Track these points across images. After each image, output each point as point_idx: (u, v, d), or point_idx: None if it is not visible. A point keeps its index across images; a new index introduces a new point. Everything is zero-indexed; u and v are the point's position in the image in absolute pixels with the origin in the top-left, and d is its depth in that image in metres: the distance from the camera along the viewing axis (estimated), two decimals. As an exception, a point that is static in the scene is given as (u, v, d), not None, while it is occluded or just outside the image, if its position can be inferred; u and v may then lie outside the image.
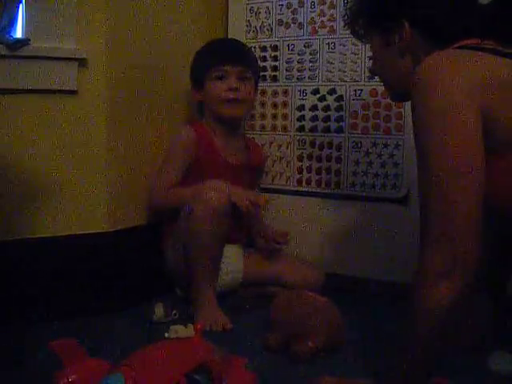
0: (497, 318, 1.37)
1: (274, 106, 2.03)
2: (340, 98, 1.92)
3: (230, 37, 2.08)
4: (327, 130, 1.94)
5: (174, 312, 1.62)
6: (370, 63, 1.41)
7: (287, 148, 2.01)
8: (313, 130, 1.97)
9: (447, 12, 1.15)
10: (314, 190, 1.97)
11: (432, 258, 1.00)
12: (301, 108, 1.98)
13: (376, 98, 1.86)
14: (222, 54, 1.85)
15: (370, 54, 1.77)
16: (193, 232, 1.61)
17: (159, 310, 1.61)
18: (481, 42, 1.10)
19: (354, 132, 1.90)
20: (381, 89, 1.83)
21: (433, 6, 1.15)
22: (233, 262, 1.82)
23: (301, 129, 1.99)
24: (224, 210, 1.61)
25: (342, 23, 1.48)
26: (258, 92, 2.00)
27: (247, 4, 2.05)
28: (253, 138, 2.04)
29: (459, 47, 1.10)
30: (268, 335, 1.44)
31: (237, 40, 1.99)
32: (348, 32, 1.37)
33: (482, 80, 1.01)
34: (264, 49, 2.03)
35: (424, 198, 1.04)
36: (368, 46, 1.37)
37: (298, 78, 1.98)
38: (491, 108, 1.01)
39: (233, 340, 1.48)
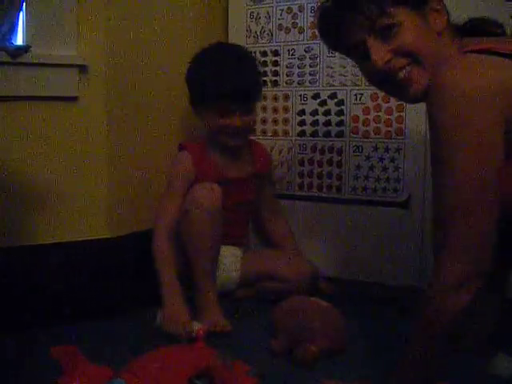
0: (498, 321, 1.37)
1: (275, 110, 2.03)
2: (341, 103, 1.92)
3: (230, 41, 2.07)
4: (328, 134, 1.94)
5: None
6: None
7: (288, 153, 2.01)
8: (314, 134, 1.96)
9: None
10: (315, 194, 1.97)
11: (449, 268, 1.00)
12: (301, 113, 1.98)
13: (377, 102, 1.86)
14: (227, 90, 1.69)
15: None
16: (189, 234, 1.63)
17: (160, 316, 1.60)
18: (498, 47, 1.06)
19: (355, 136, 1.90)
20: (382, 93, 1.82)
21: None
22: (230, 262, 1.82)
23: (302, 133, 1.98)
24: (217, 211, 1.63)
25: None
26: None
27: (247, 9, 2.05)
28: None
29: (478, 50, 1.07)
30: (271, 340, 1.43)
31: (244, 61, 1.78)
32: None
33: (505, 88, 1.00)
34: (264, 54, 2.03)
35: (441, 205, 1.03)
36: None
37: (298, 83, 1.98)
38: None
39: (235, 345, 1.48)
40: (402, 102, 1.79)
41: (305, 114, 1.98)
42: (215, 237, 1.64)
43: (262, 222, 1.97)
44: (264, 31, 2.03)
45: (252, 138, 1.97)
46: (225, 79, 1.69)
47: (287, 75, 2.00)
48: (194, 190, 1.65)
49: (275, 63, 2.02)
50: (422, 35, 1.13)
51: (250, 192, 1.85)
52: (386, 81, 1.17)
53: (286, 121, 2.01)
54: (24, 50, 1.53)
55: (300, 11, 1.97)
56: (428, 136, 1.08)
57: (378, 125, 1.87)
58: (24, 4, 1.55)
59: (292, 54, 1.99)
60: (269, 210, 1.95)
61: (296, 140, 2.00)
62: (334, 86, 1.93)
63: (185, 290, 1.76)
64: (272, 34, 2.02)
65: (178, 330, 1.50)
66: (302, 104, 1.98)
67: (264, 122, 2.05)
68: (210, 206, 1.61)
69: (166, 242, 1.67)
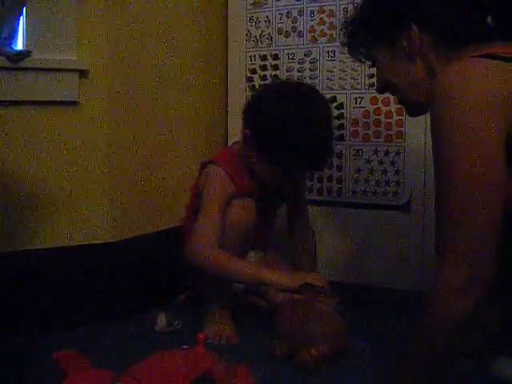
0: (501, 323, 1.37)
1: (275, 114, 2.02)
2: (340, 106, 1.92)
3: (230, 47, 2.08)
4: (328, 137, 1.94)
5: (177, 322, 1.62)
6: (375, 81, 1.33)
7: (288, 156, 2.01)
8: (314, 138, 1.96)
9: (457, 12, 1.12)
10: (315, 198, 1.97)
11: (450, 273, 1.00)
12: (301, 116, 1.98)
13: (377, 106, 1.86)
14: (313, 164, 1.57)
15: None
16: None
17: (162, 320, 1.61)
18: (504, 52, 1.06)
19: (355, 140, 1.90)
20: (381, 96, 1.83)
21: (441, 7, 1.13)
22: None
23: (302, 137, 1.98)
24: (250, 227, 1.57)
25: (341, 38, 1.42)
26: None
27: (247, 13, 2.05)
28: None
29: (482, 55, 1.06)
30: (272, 344, 1.43)
31: (329, 125, 1.57)
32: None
33: (508, 93, 0.99)
34: (264, 58, 2.03)
35: (442, 210, 1.03)
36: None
37: (298, 87, 1.98)
38: None
39: (237, 349, 1.48)
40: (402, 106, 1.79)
41: (305, 118, 1.98)
42: (242, 252, 1.60)
43: (289, 232, 1.87)
44: (264, 35, 2.04)
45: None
46: (319, 152, 1.53)
47: (287, 79, 2.00)
48: (229, 207, 1.56)
49: (275, 67, 2.02)
50: (395, 68, 1.22)
51: (276, 204, 1.79)
52: None
53: (286, 124, 2.01)
54: (24, 55, 1.53)
55: (299, 15, 1.97)
56: (428, 139, 1.09)
57: (378, 128, 1.87)
58: (24, 9, 1.55)
59: (292, 58, 2.00)
60: (297, 227, 1.84)
61: (296, 144, 2.00)
62: (333, 89, 1.93)
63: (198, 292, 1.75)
64: (272, 38, 2.02)
65: (306, 278, 1.44)
66: (302, 108, 1.98)
67: (264, 125, 2.04)
68: (244, 225, 1.55)
69: (218, 249, 1.51)
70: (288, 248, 1.87)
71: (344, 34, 1.32)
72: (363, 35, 1.27)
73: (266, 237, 1.82)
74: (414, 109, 1.28)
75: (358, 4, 1.29)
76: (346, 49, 1.35)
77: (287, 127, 1.48)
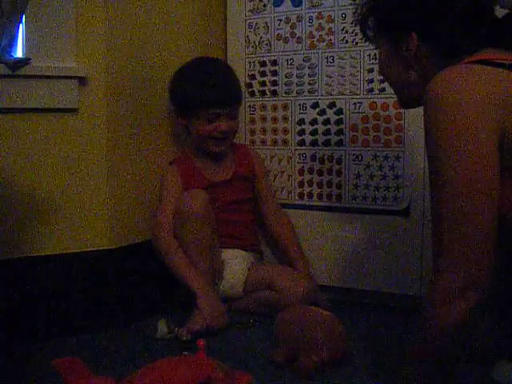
0: (501, 327, 1.37)
1: (274, 120, 2.03)
2: (340, 112, 1.92)
3: (229, 53, 2.09)
4: (327, 143, 1.95)
5: (177, 329, 1.61)
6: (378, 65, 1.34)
7: (288, 162, 2.01)
8: (313, 143, 1.97)
9: (456, 26, 1.13)
10: (315, 203, 1.97)
11: (448, 276, 1.01)
12: (301, 122, 1.99)
13: (376, 111, 1.86)
14: (214, 97, 1.83)
15: (369, 65, 1.81)
16: (182, 239, 1.72)
17: (162, 327, 1.60)
18: (496, 57, 1.07)
19: (355, 145, 1.90)
20: (380, 101, 1.83)
21: (442, 19, 1.13)
22: (238, 265, 1.86)
23: (301, 143, 1.99)
24: (205, 213, 1.71)
25: (344, 32, 1.42)
26: (259, 106, 2.04)
27: (246, 19, 2.06)
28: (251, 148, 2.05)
29: (474, 62, 1.08)
30: (273, 350, 1.43)
31: (224, 71, 1.94)
32: (346, 46, 1.37)
33: (499, 97, 1.00)
34: (263, 64, 2.04)
35: (438, 216, 1.03)
36: (367, 55, 1.36)
37: (297, 92, 1.99)
38: (509, 126, 0.99)
39: (236, 355, 1.47)
40: (401, 111, 1.80)
41: (304, 124, 1.98)
42: (207, 237, 1.73)
43: (265, 223, 2.02)
44: (263, 41, 2.04)
45: (250, 148, 2.01)
46: (210, 86, 1.82)
47: (286, 85, 2.01)
48: (181, 198, 1.75)
49: (274, 73, 2.02)
50: (392, 65, 1.23)
51: (238, 192, 1.93)
52: None
53: (285, 130, 2.01)
54: (24, 62, 1.54)
55: (298, 21, 1.97)
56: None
57: (377, 133, 1.87)
58: (23, 17, 1.56)
59: (291, 64, 2.00)
60: (269, 211, 2.00)
61: (296, 149, 2.00)
62: (332, 95, 1.93)
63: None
64: (270, 44, 2.03)
65: (225, 323, 1.65)
66: (301, 113, 1.99)
67: (263, 131, 2.05)
68: (197, 209, 1.70)
69: (172, 236, 1.74)
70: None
71: (357, 15, 1.33)
72: (371, 21, 1.28)
73: (244, 233, 1.93)
74: (406, 103, 1.31)
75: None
76: (358, 26, 1.35)
77: (185, 79, 1.86)
